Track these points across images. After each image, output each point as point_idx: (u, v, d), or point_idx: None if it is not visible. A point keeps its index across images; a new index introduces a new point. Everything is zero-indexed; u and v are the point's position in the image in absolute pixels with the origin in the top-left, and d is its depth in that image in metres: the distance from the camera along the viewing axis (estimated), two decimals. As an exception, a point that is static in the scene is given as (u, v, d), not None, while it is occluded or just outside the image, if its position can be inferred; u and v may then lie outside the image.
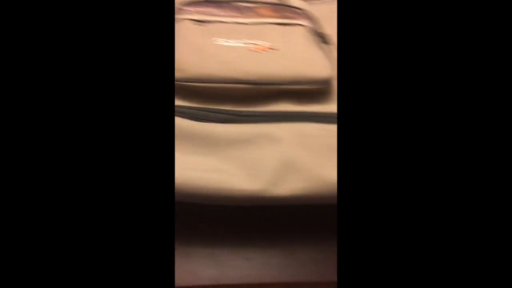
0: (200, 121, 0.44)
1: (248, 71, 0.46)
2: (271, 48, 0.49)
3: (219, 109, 0.46)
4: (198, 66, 0.46)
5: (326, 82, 0.48)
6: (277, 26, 0.52)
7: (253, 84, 0.46)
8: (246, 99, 0.47)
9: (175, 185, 0.38)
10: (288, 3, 0.56)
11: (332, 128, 0.44)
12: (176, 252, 0.30)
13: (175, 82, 0.46)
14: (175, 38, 0.51)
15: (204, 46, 0.48)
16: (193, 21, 0.52)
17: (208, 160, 0.42)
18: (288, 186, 0.40)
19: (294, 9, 0.55)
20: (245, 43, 0.49)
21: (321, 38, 0.54)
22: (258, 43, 0.50)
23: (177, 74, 0.46)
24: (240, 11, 0.54)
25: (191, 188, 0.40)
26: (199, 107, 0.46)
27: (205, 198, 0.41)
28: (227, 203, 0.42)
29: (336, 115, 0.46)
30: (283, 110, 0.46)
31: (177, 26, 0.53)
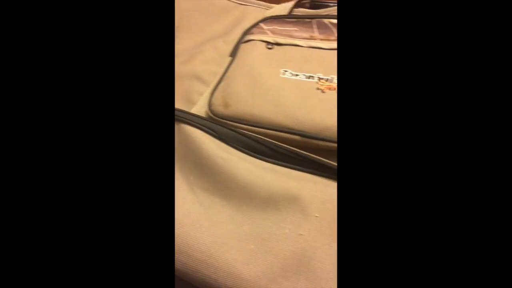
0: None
1: (301, 119, 0.38)
2: (341, 88, 0.40)
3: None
4: (248, 104, 0.41)
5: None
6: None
7: (302, 137, 0.38)
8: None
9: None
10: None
11: None
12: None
13: (215, 117, 0.42)
14: (236, 62, 0.47)
15: (265, 78, 0.42)
16: (264, 43, 0.46)
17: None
18: None
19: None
20: (317, 78, 0.41)
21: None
22: (329, 78, 0.41)
23: (221, 109, 0.42)
24: (324, 30, 0.45)
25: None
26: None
27: None
28: None
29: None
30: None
31: (243, 48, 0.48)
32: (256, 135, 0.37)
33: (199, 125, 0.38)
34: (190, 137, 0.38)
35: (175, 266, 0.32)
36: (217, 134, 0.38)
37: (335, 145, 0.37)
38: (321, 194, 0.33)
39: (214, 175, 0.36)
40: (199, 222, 0.34)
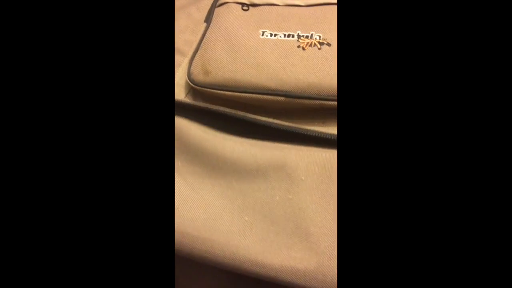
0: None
1: (285, 80, 0.37)
2: (322, 43, 0.39)
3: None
4: (229, 69, 0.39)
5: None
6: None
7: (286, 97, 0.37)
8: (278, 113, 0.38)
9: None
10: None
11: None
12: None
13: (196, 86, 0.41)
14: (211, 27, 0.45)
15: (244, 40, 0.41)
16: (239, 5, 0.44)
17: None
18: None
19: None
20: (296, 36, 0.40)
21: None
22: (308, 35, 0.40)
23: (201, 78, 0.40)
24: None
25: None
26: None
27: None
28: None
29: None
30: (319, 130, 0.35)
31: (218, 12, 0.46)
32: (237, 112, 0.37)
33: (183, 114, 0.38)
34: (176, 126, 0.38)
35: None
36: (201, 120, 0.38)
37: (320, 102, 0.36)
38: (306, 158, 0.33)
39: (201, 158, 0.36)
40: (191, 203, 0.34)
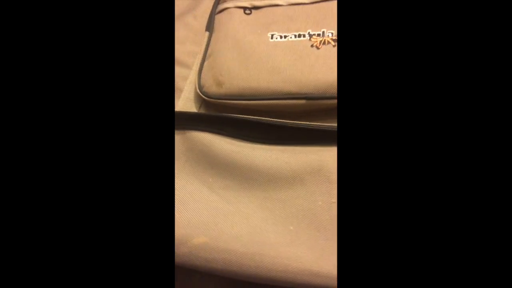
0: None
1: (304, 82, 0.36)
2: (335, 40, 0.37)
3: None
4: (243, 78, 0.38)
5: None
6: None
7: (307, 99, 0.36)
8: (298, 117, 0.37)
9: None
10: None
11: None
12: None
13: (210, 99, 0.39)
14: (215, 35, 0.44)
15: (254, 46, 0.39)
16: (241, 9, 0.43)
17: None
18: None
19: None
20: (308, 35, 0.39)
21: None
22: (320, 33, 0.38)
23: (215, 89, 0.39)
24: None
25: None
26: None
27: None
28: None
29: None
30: None
31: (219, 19, 0.44)
32: (261, 118, 0.35)
33: (203, 128, 0.37)
34: (199, 142, 0.36)
35: (217, 266, 0.30)
36: (223, 131, 0.36)
37: None
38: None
39: (232, 171, 0.35)
40: (232, 218, 0.33)
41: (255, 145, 0.35)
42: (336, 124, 0.34)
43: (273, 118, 0.37)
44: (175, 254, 0.31)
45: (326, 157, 0.33)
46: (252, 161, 0.34)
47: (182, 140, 0.38)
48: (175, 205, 0.33)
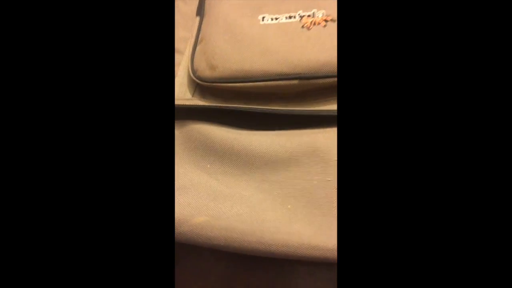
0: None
1: (296, 62, 0.36)
2: (326, 20, 0.38)
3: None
4: (236, 60, 0.38)
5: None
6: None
7: (300, 79, 0.36)
8: (292, 97, 0.38)
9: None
10: None
11: None
12: None
13: (204, 83, 0.40)
14: (207, 19, 0.44)
15: (246, 29, 0.40)
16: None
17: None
18: None
19: None
20: (298, 17, 0.39)
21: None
22: (311, 14, 0.39)
23: (208, 73, 0.39)
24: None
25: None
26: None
27: None
28: None
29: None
30: None
31: (210, 3, 0.45)
32: (256, 107, 0.37)
33: (200, 118, 0.38)
34: (196, 131, 0.38)
35: (219, 243, 0.31)
36: (220, 120, 0.38)
37: (334, 79, 0.36)
38: (334, 138, 0.34)
39: (230, 157, 0.36)
40: (231, 199, 0.34)
41: (251, 131, 0.37)
42: (329, 107, 0.35)
43: (267, 99, 0.38)
44: (177, 233, 0.32)
45: (320, 138, 0.34)
46: (248, 146, 0.35)
47: (180, 131, 0.39)
48: (176, 191, 0.34)
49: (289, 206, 0.32)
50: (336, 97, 0.37)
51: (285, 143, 0.34)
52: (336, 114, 0.35)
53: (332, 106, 0.36)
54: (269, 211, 0.32)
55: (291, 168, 0.34)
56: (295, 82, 0.37)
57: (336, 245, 0.29)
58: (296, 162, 0.34)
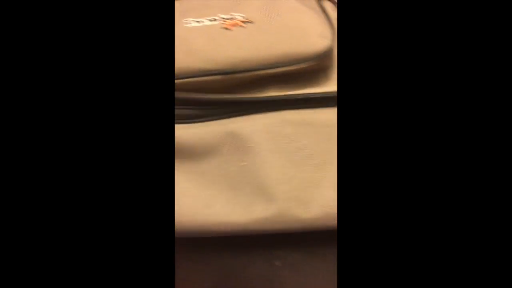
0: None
1: (217, 59, 0.39)
2: (245, 21, 0.41)
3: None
4: None
5: (322, 56, 0.39)
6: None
7: (222, 75, 0.39)
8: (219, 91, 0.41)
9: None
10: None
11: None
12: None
13: None
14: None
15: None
16: None
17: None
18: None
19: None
20: (220, 19, 0.42)
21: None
22: (231, 17, 0.42)
23: None
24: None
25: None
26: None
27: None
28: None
29: (335, 97, 0.39)
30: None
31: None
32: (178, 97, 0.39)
33: None
34: None
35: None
36: None
37: (254, 73, 0.39)
38: (249, 127, 0.38)
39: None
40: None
41: (178, 125, 0.39)
42: (247, 95, 0.39)
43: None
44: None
45: (235, 127, 0.38)
46: (178, 140, 0.38)
47: None
48: None
49: (208, 192, 0.36)
50: (260, 88, 0.41)
51: (203, 135, 0.38)
52: (256, 100, 0.38)
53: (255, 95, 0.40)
54: (188, 197, 0.36)
55: (211, 159, 0.38)
56: (218, 77, 0.39)
57: (246, 219, 0.33)
58: (217, 151, 0.38)
